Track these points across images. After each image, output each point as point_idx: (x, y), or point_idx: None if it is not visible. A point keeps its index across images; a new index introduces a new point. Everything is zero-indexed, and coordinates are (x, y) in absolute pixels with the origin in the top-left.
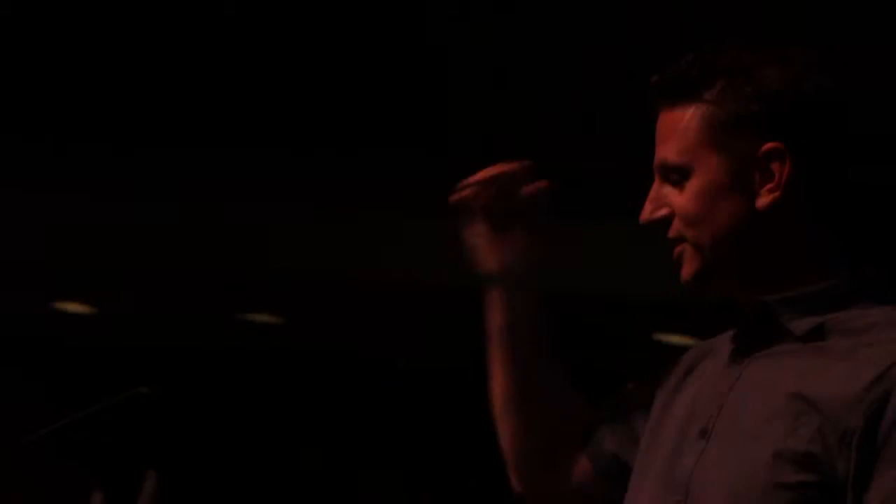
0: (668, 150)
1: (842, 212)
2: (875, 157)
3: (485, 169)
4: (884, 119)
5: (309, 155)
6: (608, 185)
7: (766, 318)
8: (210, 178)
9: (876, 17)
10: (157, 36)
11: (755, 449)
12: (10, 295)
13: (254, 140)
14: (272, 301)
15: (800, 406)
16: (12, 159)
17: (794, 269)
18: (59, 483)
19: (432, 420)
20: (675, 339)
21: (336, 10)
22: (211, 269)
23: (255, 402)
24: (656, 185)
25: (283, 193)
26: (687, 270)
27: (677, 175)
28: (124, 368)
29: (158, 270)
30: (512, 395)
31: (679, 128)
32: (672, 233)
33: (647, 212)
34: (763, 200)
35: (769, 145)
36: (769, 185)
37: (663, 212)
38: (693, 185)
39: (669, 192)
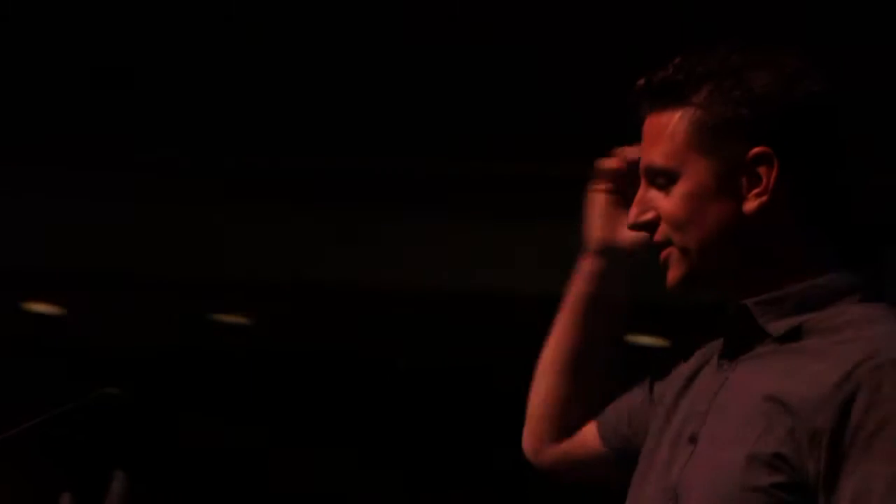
0: (655, 154)
1: (827, 215)
2: (861, 161)
3: (631, 146)
4: (883, 119)
5: (285, 156)
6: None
7: (747, 320)
8: (181, 179)
9: (876, 17)
10: (124, 38)
11: (732, 452)
12: None
13: (233, 142)
14: (242, 302)
15: (773, 408)
16: None
17: (780, 272)
18: (28, 483)
19: (404, 420)
20: (645, 340)
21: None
22: (180, 271)
23: (223, 403)
24: (642, 188)
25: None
26: (673, 274)
27: (664, 179)
28: (93, 369)
29: (122, 272)
30: (564, 359)
31: (666, 132)
32: (658, 236)
33: (633, 215)
34: (750, 205)
35: (757, 150)
36: (756, 190)
37: (649, 215)
38: (680, 188)
39: (656, 196)
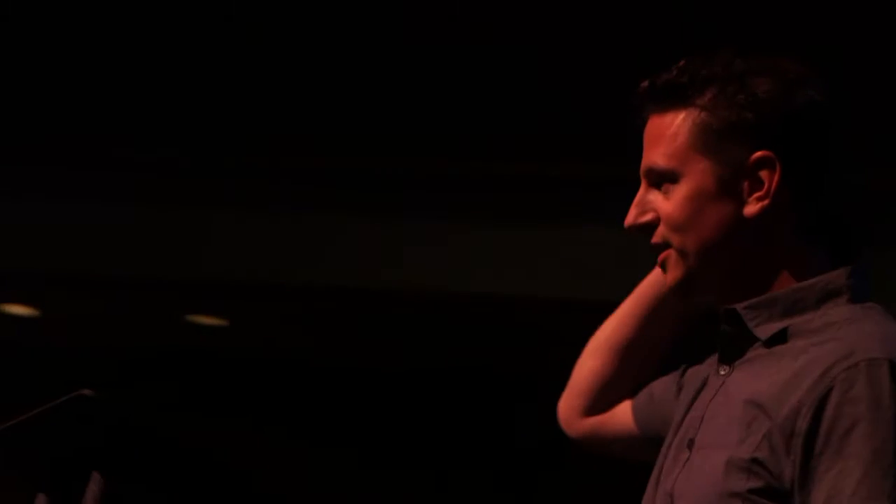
0: (656, 155)
1: (825, 219)
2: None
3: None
4: (882, 120)
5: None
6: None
7: (739, 324)
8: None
9: (876, 18)
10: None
11: (715, 459)
12: None
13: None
14: (217, 303)
15: (752, 412)
16: None
17: (777, 275)
18: (2, 487)
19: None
20: None
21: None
22: (157, 272)
23: (201, 404)
24: (642, 189)
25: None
26: (671, 277)
27: (664, 180)
28: (66, 371)
29: (99, 274)
30: (618, 344)
31: (668, 133)
32: (656, 238)
33: (632, 216)
34: (751, 208)
35: (760, 153)
36: (758, 194)
37: (648, 217)
38: (680, 190)
39: (655, 198)
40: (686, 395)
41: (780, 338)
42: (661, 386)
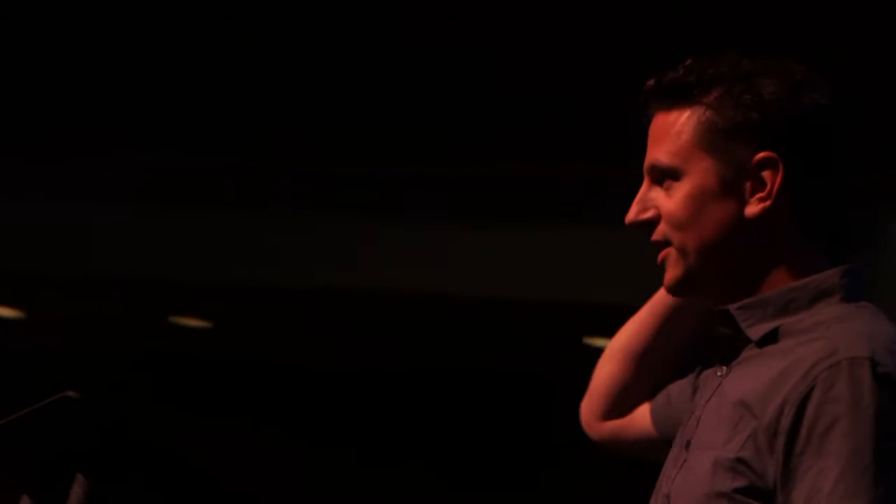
0: (660, 152)
1: (825, 221)
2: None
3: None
4: (883, 121)
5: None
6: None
7: (732, 325)
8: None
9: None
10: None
11: (705, 459)
12: None
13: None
14: (218, 304)
15: (739, 412)
16: None
17: (775, 276)
18: None
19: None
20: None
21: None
22: (142, 273)
23: (186, 406)
24: (644, 186)
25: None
26: (670, 275)
27: (667, 177)
28: (50, 372)
29: (87, 276)
30: (636, 349)
31: (673, 130)
32: (656, 236)
33: (634, 213)
34: (753, 209)
35: (763, 154)
36: (760, 194)
37: (649, 214)
38: (683, 188)
39: (657, 195)
40: (700, 396)
41: (771, 338)
42: (678, 388)
